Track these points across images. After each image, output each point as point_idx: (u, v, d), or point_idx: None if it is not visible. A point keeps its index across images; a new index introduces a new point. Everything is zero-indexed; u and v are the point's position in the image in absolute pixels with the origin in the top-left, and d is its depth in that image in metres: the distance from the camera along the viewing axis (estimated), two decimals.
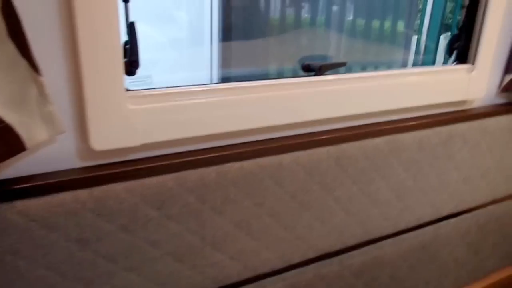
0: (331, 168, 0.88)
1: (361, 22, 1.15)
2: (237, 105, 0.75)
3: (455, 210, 1.19)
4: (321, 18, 1.06)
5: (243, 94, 0.76)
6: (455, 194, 1.15)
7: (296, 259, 0.94)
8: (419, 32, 1.25)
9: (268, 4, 0.98)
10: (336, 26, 1.10)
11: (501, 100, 1.16)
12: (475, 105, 1.11)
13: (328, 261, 1.00)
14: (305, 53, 1.03)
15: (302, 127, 0.87)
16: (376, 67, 1.22)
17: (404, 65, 1.27)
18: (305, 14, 1.04)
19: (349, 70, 1.02)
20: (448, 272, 1.28)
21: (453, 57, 1.08)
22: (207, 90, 0.73)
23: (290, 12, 1.01)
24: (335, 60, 1.10)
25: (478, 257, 1.34)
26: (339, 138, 0.88)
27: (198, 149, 0.76)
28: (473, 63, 1.03)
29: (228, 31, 0.92)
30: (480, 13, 1.00)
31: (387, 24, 1.20)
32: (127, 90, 0.66)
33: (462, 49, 1.05)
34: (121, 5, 0.65)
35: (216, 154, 0.75)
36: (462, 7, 1.03)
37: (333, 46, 1.11)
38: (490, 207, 1.28)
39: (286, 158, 0.82)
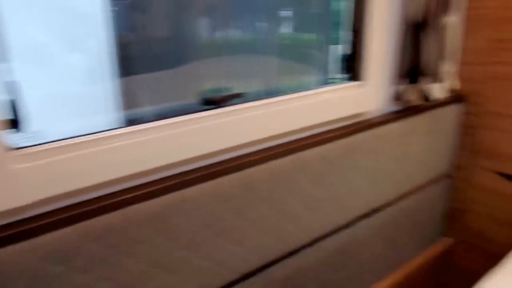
0: (240, 193, 0.91)
1: (276, 41, 1.17)
2: (136, 147, 0.76)
3: (367, 211, 1.28)
4: (231, 42, 1.08)
5: (142, 136, 0.77)
6: (364, 197, 1.24)
7: (218, 285, 0.96)
8: (337, 45, 1.27)
9: (171, 32, 0.98)
10: (251, 49, 1.12)
11: (394, 108, 1.27)
12: (371, 115, 1.20)
13: (251, 280, 1.03)
14: (208, 84, 1.04)
15: (207, 158, 0.89)
16: (290, 89, 1.24)
17: (323, 82, 1.31)
18: (210, 39, 1.05)
19: (268, 94, 1.04)
20: (368, 267, 1.37)
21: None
22: (101, 138, 0.73)
23: (190, 39, 1.02)
24: (244, 86, 1.13)
25: (394, 250, 1.45)
26: (245, 164, 0.91)
27: (99, 196, 0.75)
28: (364, 80, 1.12)
29: (128, 66, 0.91)
30: (364, 36, 1.09)
31: (301, 41, 1.23)
32: (13, 148, 0.64)
33: (353, 68, 1.14)
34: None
35: (120, 198, 0.75)
36: (351, 31, 1.12)
37: (244, 72, 1.13)
38: (398, 203, 1.39)
39: (193, 190, 0.84)
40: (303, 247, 1.14)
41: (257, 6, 1.10)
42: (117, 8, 0.85)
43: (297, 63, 1.24)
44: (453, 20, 1.19)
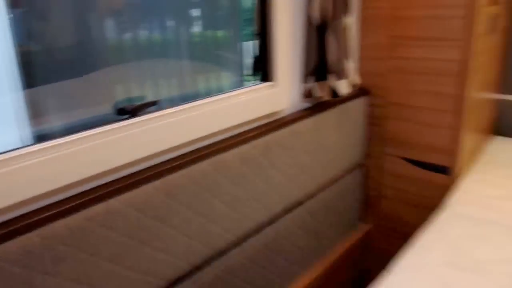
0: (162, 200, 0.92)
1: (188, 41, 1.16)
2: (47, 165, 0.74)
3: (288, 206, 1.34)
4: (141, 46, 1.06)
5: (52, 153, 0.75)
6: (284, 192, 1.30)
7: None
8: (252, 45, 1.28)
9: (75, 38, 0.94)
10: (162, 52, 1.10)
11: (306, 105, 1.35)
12: (285, 114, 1.27)
13: (180, 285, 1.04)
14: (119, 90, 1.02)
15: (125, 169, 0.89)
16: (205, 92, 1.25)
17: (237, 83, 1.33)
18: (117, 44, 1.01)
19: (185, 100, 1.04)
20: (295, 259, 1.44)
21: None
22: (7, 158, 0.70)
23: (97, 45, 0.98)
24: (158, 91, 1.14)
25: (317, 240, 1.54)
26: (164, 171, 0.92)
27: (12, 218, 0.72)
28: (273, 81, 1.19)
29: (32, 77, 0.86)
30: (270, 40, 1.16)
31: (214, 42, 1.23)
32: None
33: (263, 69, 1.20)
34: None
35: (37, 218, 0.72)
36: (256, 34, 1.18)
37: (156, 77, 1.11)
38: (317, 195, 1.48)
39: (113, 203, 0.83)
40: (230, 247, 1.17)
41: (166, 6, 1.10)
42: (12, 15, 0.81)
43: (211, 64, 1.25)
44: (352, 20, 1.30)
